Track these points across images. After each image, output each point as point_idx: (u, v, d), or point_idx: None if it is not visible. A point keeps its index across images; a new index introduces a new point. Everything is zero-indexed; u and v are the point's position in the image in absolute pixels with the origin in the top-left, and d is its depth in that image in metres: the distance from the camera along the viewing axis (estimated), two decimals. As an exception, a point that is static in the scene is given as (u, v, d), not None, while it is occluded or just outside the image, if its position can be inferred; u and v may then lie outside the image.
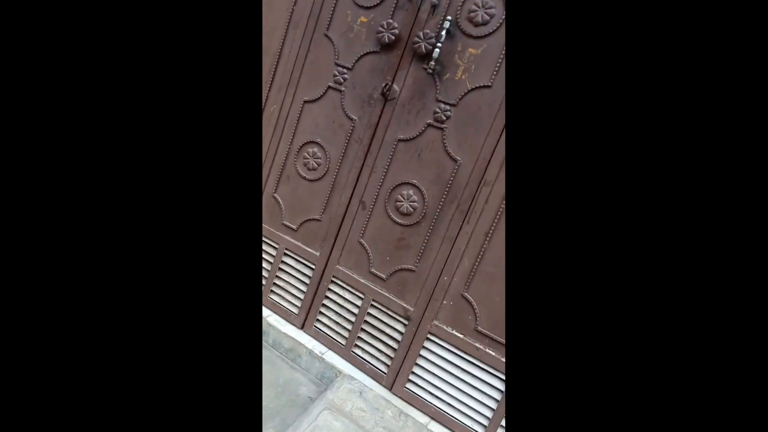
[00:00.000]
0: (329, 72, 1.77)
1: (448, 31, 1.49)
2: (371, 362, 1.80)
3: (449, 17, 1.48)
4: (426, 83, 1.59)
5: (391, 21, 1.61)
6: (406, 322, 1.72)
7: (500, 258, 1.53)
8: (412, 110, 1.63)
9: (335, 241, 1.83)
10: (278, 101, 1.89)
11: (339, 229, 1.82)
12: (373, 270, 1.77)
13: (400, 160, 1.67)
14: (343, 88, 1.75)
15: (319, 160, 1.83)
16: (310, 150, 1.85)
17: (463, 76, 1.53)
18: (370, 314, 1.79)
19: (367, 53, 1.69)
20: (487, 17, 1.47)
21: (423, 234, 1.65)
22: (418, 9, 1.57)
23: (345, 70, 1.74)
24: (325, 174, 1.82)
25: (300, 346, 1.86)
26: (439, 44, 1.50)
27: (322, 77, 1.79)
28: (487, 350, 1.58)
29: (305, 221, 1.89)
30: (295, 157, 1.89)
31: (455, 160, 1.57)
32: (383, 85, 1.66)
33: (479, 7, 1.47)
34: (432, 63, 1.52)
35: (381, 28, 1.62)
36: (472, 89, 1.52)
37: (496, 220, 1.53)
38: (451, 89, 1.55)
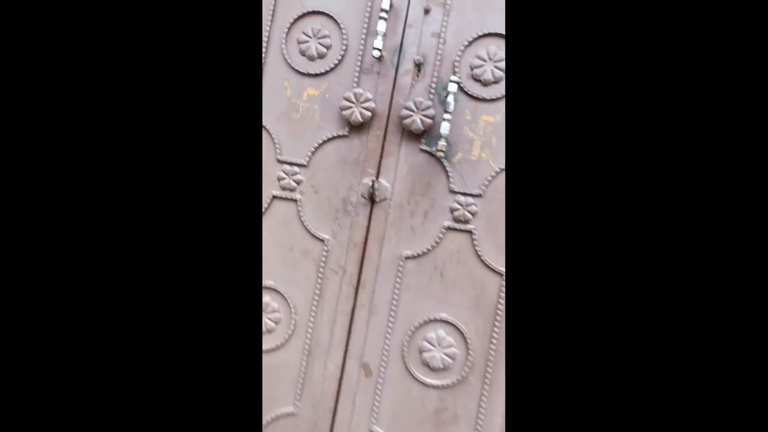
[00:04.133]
0: (270, 175, 1.13)
1: (455, 96, 1.03)
2: None
3: (454, 77, 1.02)
4: (430, 171, 1.08)
5: (359, 91, 1.08)
6: None
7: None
8: (417, 212, 1.09)
9: (329, 439, 1.11)
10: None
11: (333, 419, 1.10)
12: (405, 471, 1.09)
13: (414, 287, 1.09)
14: (298, 196, 1.12)
15: (277, 314, 1.13)
16: (263, 301, 1.13)
17: (483, 154, 1.07)
18: None
19: (330, 139, 1.12)
20: (500, 72, 1.06)
21: (476, 395, 1.07)
22: (396, 70, 1.09)
23: (296, 168, 1.12)
24: (291, 336, 1.12)
25: None
26: (447, 114, 1.02)
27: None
28: None
29: (273, 420, 1.12)
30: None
31: (499, 273, 1.06)
32: (366, 182, 1.09)
33: (486, 60, 1.06)
34: (442, 143, 1.02)
35: (347, 102, 1.08)
36: (501, 170, 1.06)
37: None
38: (468, 174, 1.07)
